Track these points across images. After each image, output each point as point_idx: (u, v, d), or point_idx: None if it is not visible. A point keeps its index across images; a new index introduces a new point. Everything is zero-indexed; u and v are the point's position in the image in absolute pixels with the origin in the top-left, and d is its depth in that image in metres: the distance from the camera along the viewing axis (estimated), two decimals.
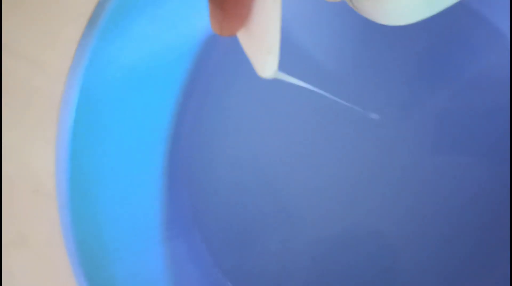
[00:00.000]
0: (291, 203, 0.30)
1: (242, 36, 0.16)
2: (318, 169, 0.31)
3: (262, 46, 0.15)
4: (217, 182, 0.30)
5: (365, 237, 0.30)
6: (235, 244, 0.30)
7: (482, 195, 0.28)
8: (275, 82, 0.29)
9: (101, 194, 0.25)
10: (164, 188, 0.28)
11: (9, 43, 0.26)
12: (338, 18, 0.29)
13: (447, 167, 0.28)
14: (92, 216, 0.25)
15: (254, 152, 0.30)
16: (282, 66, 0.15)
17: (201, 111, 0.30)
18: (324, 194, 0.30)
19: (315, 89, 0.20)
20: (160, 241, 0.28)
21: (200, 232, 0.30)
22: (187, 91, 0.29)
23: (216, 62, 0.30)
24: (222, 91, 0.31)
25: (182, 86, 0.29)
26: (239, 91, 0.30)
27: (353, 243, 0.29)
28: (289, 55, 0.26)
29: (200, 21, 0.28)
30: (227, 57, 0.30)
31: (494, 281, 0.28)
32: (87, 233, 0.24)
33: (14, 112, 0.26)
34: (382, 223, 0.29)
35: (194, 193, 0.30)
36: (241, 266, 0.30)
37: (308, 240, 0.30)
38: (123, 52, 0.25)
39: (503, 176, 0.28)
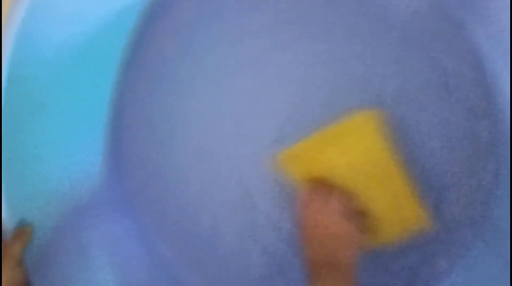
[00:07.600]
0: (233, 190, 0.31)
1: None
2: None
3: None
4: (155, 172, 0.30)
5: None
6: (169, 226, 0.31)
7: None
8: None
9: (39, 174, 0.25)
10: (105, 172, 0.29)
11: None
12: None
13: None
14: (30, 197, 0.25)
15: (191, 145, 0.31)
16: None
17: (141, 99, 0.31)
18: None
19: None
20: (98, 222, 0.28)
21: (135, 219, 0.30)
22: (125, 70, 0.29)
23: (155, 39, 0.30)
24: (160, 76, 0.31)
25: (120, 64, 0.29)
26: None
27: None
28: None
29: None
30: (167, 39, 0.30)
31: None
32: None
33: None
34: None
35: (134, 182, 0.30)
36: (175, 250, 0.31)
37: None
38: (54, 29, 0.25)
39: None
